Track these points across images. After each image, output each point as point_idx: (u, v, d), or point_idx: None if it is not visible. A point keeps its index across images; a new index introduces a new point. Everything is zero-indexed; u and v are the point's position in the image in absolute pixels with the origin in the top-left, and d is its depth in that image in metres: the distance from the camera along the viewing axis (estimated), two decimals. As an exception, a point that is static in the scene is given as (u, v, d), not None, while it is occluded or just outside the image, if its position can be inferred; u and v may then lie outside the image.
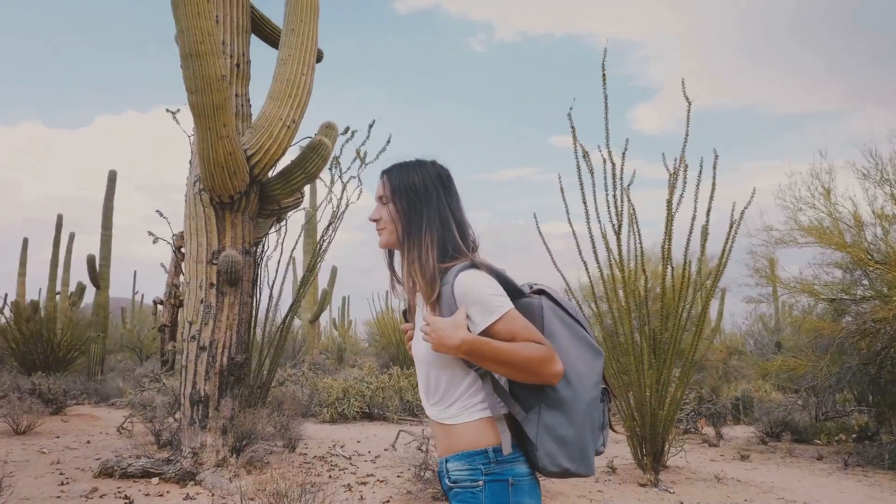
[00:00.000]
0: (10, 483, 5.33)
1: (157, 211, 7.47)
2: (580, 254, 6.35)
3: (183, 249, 18.77)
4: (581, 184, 6.17)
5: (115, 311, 35.97)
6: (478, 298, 1.73)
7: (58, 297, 23.44)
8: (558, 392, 1.72)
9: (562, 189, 6.28)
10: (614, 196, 6.16)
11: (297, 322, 23.29)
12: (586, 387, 1.74)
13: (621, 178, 6.09)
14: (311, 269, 9.00)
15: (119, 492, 5.74)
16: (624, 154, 6.03)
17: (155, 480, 6.11)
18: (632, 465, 7.03)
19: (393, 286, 1.99)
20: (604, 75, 6.13)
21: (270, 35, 7.32)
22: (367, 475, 6.54)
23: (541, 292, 1.86)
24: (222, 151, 5.80)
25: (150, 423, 7.82)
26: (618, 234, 6.19)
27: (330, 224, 8.74)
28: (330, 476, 6.49)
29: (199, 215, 6.29)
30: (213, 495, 5.75)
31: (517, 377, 1.71)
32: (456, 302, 1.75)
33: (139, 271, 39.98)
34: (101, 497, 5.61)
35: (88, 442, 8.15)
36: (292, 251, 8.84)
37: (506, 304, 1.75)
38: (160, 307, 17.64)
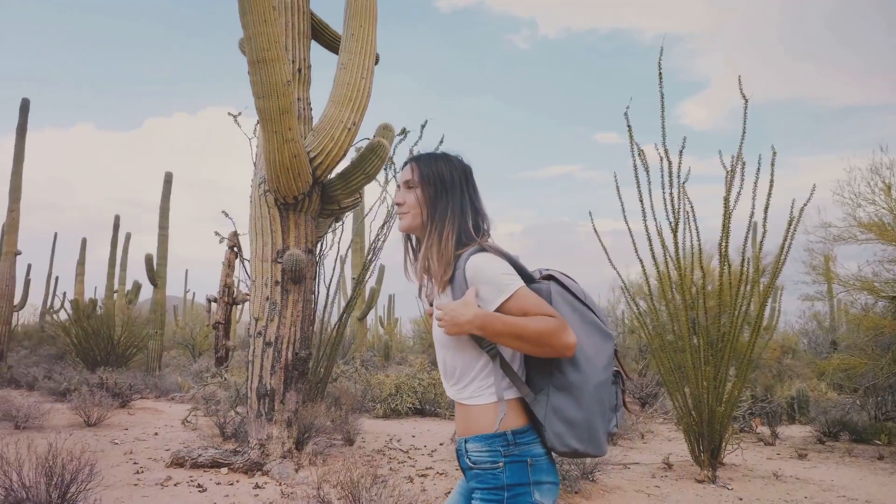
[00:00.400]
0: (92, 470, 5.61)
1: (222, 212, 7.74)
2: (636, 251, 6.39)
3: (236, 248, 19.22)
4: (637, 181, 6.21)
5: (168, 309, 37.00)
6: (488, 278, 1.81)
7: (115, 295, 24.28)
8: (566, 375, 1.78)
9: (617, 187, 6.33)
10: (671, 193, 6.19)
11: (344, 320, 23.68)
12: (595, 370, 1.80)
13: (678, 176, 6.11)
14: (365, 268, 9.18)
15: (192, 480, 6.01)
16: (681, 151, 6.05)
17: (224, 470, 6.37)
18: (687, 461, 7.04)
19: (406, 270, 2.08)
20: (660, 74, 6.15)
21: (328, 40, 7.52)
22: (426, 468, 6.69)
23: (550, 277, 1.93)
24: (287, 154, 6.01)
25: (215, 416, 8.11)
26: (674, 230, 6.21)
27: (385, 223, 8.92)
28: (390, 469, 6.67)
29: (264, 216, 6.52)
30: (280, 485, 5.97)
31: (531, 351, 1.77)
32: (467, 284, 1.83)
33: (188, 270, 41.06)
34: (175, 485, 5.88)
35: (156, 434, 8.49)
36: (348, 249, 9.04)
37: (516, 282, 1.82)
38: (214, 305, 18.08)
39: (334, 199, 6.81)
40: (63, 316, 36.98)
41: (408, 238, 2.06)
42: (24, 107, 16.83)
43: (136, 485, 5.87)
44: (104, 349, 17.24)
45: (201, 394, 9.34)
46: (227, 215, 7.77)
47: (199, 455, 6.51)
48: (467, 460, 1.86)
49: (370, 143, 6.79)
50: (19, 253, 16.68)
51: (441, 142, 9.10)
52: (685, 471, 6.78)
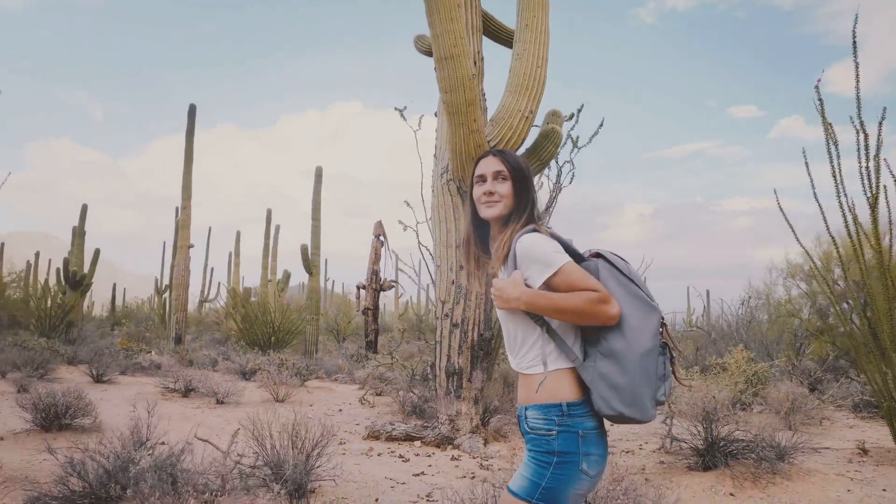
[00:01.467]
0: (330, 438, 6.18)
1: (405, 202, 8.11)
2: (827, 227, 6.19)
3: (382, 237, 19.97)
4: (830, 156, 6.00)
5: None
6: (536, 256, 2.00)
7: (269, 284, 25.97)
8: (611, 343, 1.93)
9: (806, 163, 6.13)
10: (867, 167, 5.93)
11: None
12: (640, 339, 1.93)
13: (877, 149, 5.84)
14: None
15: (391, 451, 6.48)
16: (881, 122, 5.77)
17: (417, 443, 6.81)
18: (884, 448, 6.75)
19: (476, 257, 2.31)
20: (854, 42, 5.89)
21: (495, 32, 7.75)
22: (610, 446, 6.83)
23: (598, 255, 2.09)
24: (472, 144, 6.29)
25: (394, 394, 8.63)
26: (873, 206, 5.95)
27: (547, 207, 9.07)
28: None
29: (447, 204, 6.86)
30: (473, 458, 6.33)
31: (576, 321, 1.97)
32: (516, 260, 2.03)
33: (328, 260, 43.08)
34: (378, 455, 6.37)
35: (340, 410, 9.15)
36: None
37: (562, 258, 2.01)
38: (362, 291, 18.98)
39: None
40: (218, 304, 39.96)
41: (476, 224, 2.28)
42: (192, 111, 18.33)
43: (342, 454, 6.40)
44: (266, 334, 18.57)
45: (374, 374, 9.94)
46: (408, 205, 8.18)
47: (393, 429, 6.99)
48: (526, 426, 2.03)
49: (544, 129, 6.96)
50: (192, 246, 18.27)
51: (601, 125, 9.14)
52: (883, 457, 6.52)
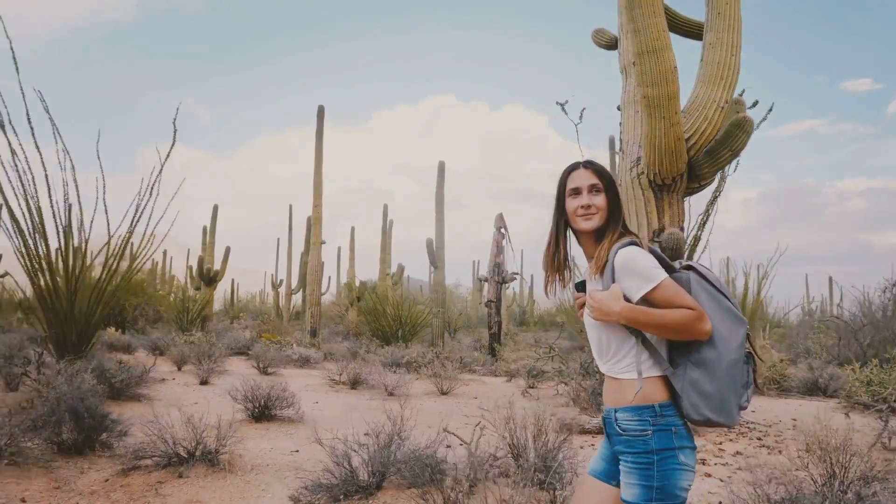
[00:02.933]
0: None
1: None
2: None
3: (503, 230, 20.04)
4: None
5: (415, 289, 39.74)
6: (637, 270, 2.08)
7: (386, 277, 26.60)
8: (702, 353, 2.03)
9: None
10: None
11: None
12: (729, 349, 2.02)
13: None
14: (695, 243, 9.23)
15: (593, 445, 6.56)
16: None
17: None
18: None
19: (558, 266, 2.32)
20: None
21: (670, 21, 7.64)
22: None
23: (689, 268, 2.17)
24: (672, 137, 6.26)
25: (567, 385, 8.70)
26: None
27: (714, 197, 8.89)
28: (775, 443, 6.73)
29: (638, 197, 6.85)
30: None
31: (671, 336, 2.06)
32: (615, 272, 2.09)
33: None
34: (580, 448, 6.46)
35: (510, 402, 9.29)
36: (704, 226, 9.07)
37: (661, 274, 2.07)
38: (485, 284, 19.16)
39: (699, 177, 6.95)
40: (329, 298, 41.23)
41: (563, 234, 2.30)
42: (321, 113, 18.97)
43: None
44: (393, 327, 19.05)
45: (540, 366, 10.05)
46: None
47: (588, 422, 7.07)
48: (617, 427, 2.11)
49: (735, 118, 6.82)
50: (324, 242, 18.95)
51: (770, 110, 8.87)
52: None
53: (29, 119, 9.45)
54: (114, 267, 10.17)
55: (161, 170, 10.04)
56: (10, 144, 9.14)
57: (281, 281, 37.61)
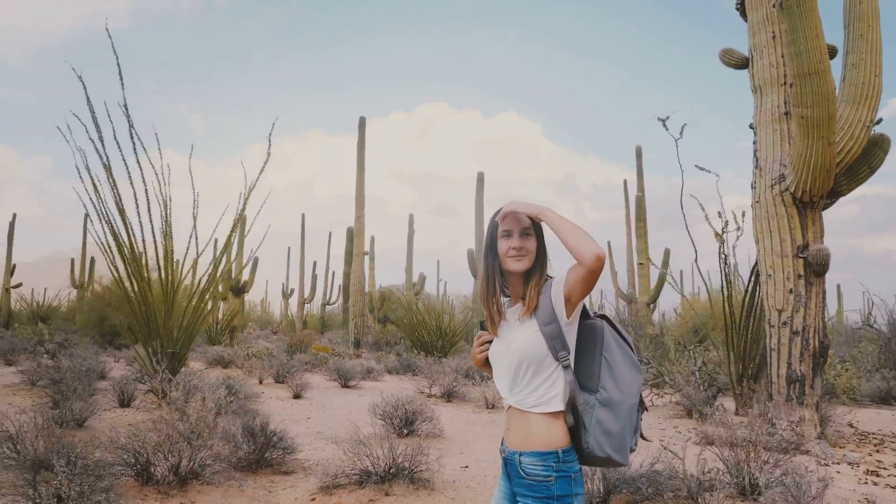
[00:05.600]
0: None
1: (717, 213, 8.21)
2: None
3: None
4: None
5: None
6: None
7: (413, 287, 26.59)
8: (610, 393, 2.17)
9: None
10: None
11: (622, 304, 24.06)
12: (630, 394, 2.20)
13: None
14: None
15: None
16: None
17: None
18: None
19: (489, 299, 2.38)
20: None
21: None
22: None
23: (603, 317, 2.32)
24: (829, 157, 6.43)
25: (678, 395, 8.81)
26: None
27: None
28: (916, 452, 6.89)
29: (780, 214, 7.01)
30: (824, 463, 6.43)
31: (573, 240, 2.10)
32: (552, 292, 2.21)
33: (440, 261, 43.62)
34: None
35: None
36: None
37: None
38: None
39: (837, 193, 7.12)
40: (333, 307, 41.05)
41: (499, 273, 2.36)
42: (362, 123, 19.01)
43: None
44: (433, 335, 19.04)
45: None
46: (734, 217, 8.30)
47: (730, 435, 7.17)
48: (521, 470, 2.19)
49: (873, 136, 7.01)
50: (366, 253, 18.94)
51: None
52: None
53: (132, 135, 9.43)
54: (205, 287, 10.19)
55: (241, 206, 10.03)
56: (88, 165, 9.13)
57: (292, 290, 37.52)
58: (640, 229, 22.44)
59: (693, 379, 9.02)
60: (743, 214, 9.26)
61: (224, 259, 10.77)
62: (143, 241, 9.59)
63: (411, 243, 25.97)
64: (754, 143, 7.50)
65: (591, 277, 2.11)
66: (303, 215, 35.23)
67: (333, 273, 38.44)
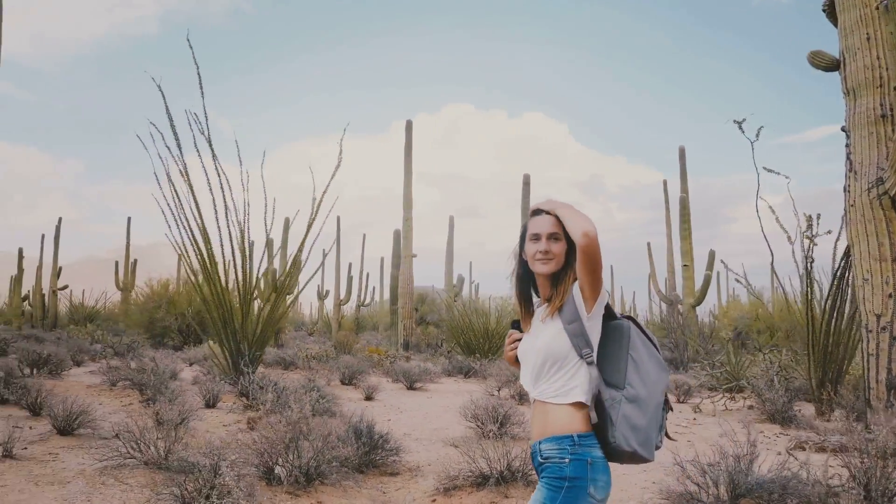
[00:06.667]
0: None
1: (807, 215, 8.18)
2: None
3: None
4: None
5: (440, 298, 39.78)
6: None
7: (453, 288, 26.65)
8: (637, 390, 2.24)
9: None
10: None
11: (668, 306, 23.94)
12: (656, 392, 2.28)
13: None
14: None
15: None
16: None
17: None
18: None
19: (523, 301, 2.53)
20: None
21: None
22: None
23: (629, 318, 2.40)
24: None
25: (768, 403, 8.76)
26: None
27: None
28: None
29: (879, 218, 6.96)
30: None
31: (566, 221, 2.26)
32: (574, 290, 2.29)
33: (472, 262, 43.70)
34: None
35: (695, 420, 9.36)
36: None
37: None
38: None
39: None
40: (367, 308, 41.25)
41: (529, 274, 2.49)
42: (409, 127, 19.13)
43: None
44: (479, 337, 19.08)
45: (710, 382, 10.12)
46: (817, 218, 8.28)
47: (824, 440, 7.15)
48: (539, 458, 2.29)
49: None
50: (415, 255, 19.06)
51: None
52: None
53: (210, 143, 9.61)
54: (281, 289, 10.35)
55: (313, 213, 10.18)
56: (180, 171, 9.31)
57: (327, 291, 37.74)
58: (685, 231, 22.31)
59: (773, 383, 8.97)
60: (818, 217, 9.19)
61: (296, 261, 10.93)
62: (221, 245, 9.78)
63: (451, 245, 26.01)
64: (847, 146, 7.45)
65: (584, 258, 2.20)
66: (338, 217, 35.49)
67: (368, 274, 38.64)
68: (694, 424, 8.75)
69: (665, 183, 25.98)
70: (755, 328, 25.43)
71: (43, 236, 33.18)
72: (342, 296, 35.91)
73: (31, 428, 6.97)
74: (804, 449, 7.18)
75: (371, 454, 6.09)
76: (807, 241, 8.76)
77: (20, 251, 33.80)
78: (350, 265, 36.83)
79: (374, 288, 39.96)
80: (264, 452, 5.20)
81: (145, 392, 8.87)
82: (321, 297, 38.64)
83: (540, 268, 2.38)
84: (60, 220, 32.00)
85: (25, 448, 6.06)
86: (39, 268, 32.91)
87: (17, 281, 32.45)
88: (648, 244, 27.63)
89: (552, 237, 2.36)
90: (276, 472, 5.17)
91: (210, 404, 8.74)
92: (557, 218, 2.36)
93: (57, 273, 31.55)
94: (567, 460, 2.20)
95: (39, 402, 7.52)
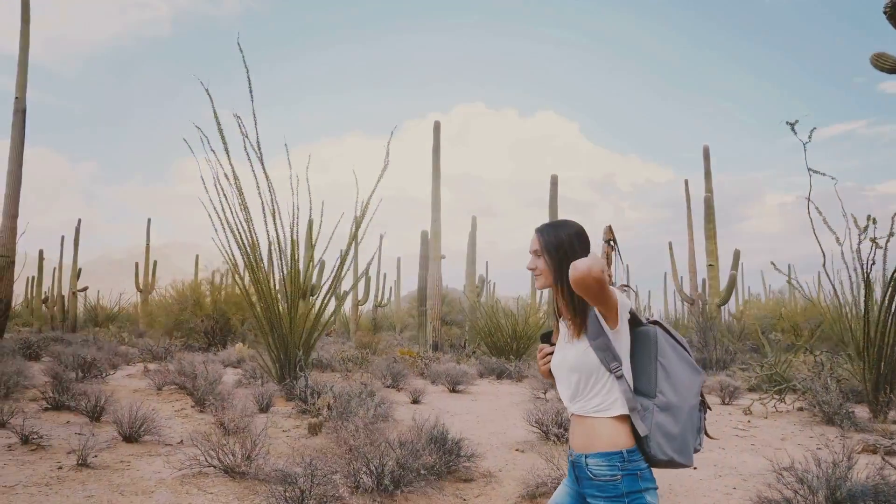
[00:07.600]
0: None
1: (868, 216, 8.12)
2: None
3: (612, 242, 20.38)
4: None
5: (454, 298, 39.72)
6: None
7: (476, 289, 26.60)
8: (668, 397, 2.24)
9: None
10: None
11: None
12: (689, 396, 2.27)
13: None
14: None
15: None
16: None
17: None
18: None
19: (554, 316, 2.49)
20: None
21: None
22: None
23: (656, 323, 2.38)
24: None
25: (804, 402, 8.69)
26: None
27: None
28: None
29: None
30: None
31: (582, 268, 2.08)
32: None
33: (488, 263, 43.55)
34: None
35: (749, 422, 9.30)
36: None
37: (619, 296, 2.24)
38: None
39: None
40: (384, 309, 41.23)
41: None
42: (437, 128, 19.09)
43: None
44: (507, 338, 19.05)
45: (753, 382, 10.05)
46: (873, 221, 8.24)
47: (893, 443, 7.08)
48: (588, 472, 2.25)
49: None
50: (443, 257, 19.02)
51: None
52: None
53: (258, 147, 9.59)
54: (328, 293, 10.35)
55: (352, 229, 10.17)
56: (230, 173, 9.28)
57: (346, 292, 37.65)
58: (710, 230, 22.23)
59: (828, 385, 8.90)
60: (873, 219, 9.11)
61: (348, 265, 10.94)
62: (269, 249, 9.77)
63: (473, 246, 25.91)
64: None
65: (580, 293, 2.14)
66: (355, 217, 35.47)
67: (385, 275, 38.63)
68: (750, 427, 8.69)
69: (686, 183, 25.88)
70: (779, 327, 25.35)
71: (63, 238, 33.26)
72: (360, 296, 35.90)
73: (93, 435, 6.97)
74: (875, 452, 7.13)
75: (450, 461, 6.05)
76: (869, 243, 8.67)
77: (41, 253, 33.95)
78: (368, 265, 36.81)
79: (390, 288, 39.88)
80: (350, 461, 5.18)
81: (194, 395, 8.87)
82: (339, 297, 38.64)
83: (536, 283, 2.46)
84: (80, 221, 32.05)
85: (96, 456, 6.05)
86: (59, 269, 33.01)
87: (37, 283, 32.56)
88: (670, 243, 27.53)
89: (535, 254, 2.42)
90: (362, 479, 5.14)
91: (263, 409, 8.73)
92: (538, 235, 2.41)
93: (77, 274, 31.62)
94: (619, 476, 2.21)
95: (99, 408, 7.52)
